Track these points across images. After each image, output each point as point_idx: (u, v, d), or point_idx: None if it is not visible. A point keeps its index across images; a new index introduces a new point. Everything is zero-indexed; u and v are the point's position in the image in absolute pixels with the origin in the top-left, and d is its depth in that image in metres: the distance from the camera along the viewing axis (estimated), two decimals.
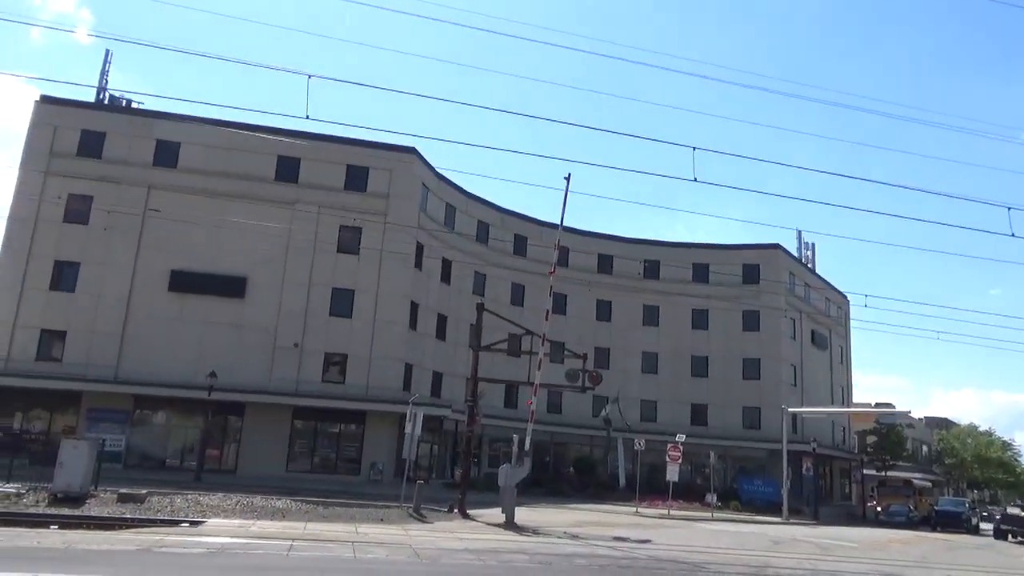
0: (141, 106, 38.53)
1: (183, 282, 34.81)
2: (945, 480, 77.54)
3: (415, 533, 16.67)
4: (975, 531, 42.54)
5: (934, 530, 39.37)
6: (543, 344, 23.51)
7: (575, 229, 48.75)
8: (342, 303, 36.56)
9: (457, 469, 33.94)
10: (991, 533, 43.10)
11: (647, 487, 34.60)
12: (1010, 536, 38.16)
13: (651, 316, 50.86)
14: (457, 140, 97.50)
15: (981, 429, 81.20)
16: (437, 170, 41.74)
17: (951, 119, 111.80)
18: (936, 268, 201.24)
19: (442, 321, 41.84)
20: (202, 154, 36.17)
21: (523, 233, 47.64)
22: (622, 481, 40.24)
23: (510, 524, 19.93)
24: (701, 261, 51.50)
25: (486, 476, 35.56)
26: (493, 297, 42.26)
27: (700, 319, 50.69)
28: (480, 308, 25.44)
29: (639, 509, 31.18)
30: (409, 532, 16.70)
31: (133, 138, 36.02)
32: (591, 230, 51.51)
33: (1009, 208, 18.72)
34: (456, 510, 22.05)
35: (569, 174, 23.62)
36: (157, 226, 34.81)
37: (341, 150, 37.64)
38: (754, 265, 50.84)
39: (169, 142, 36.12)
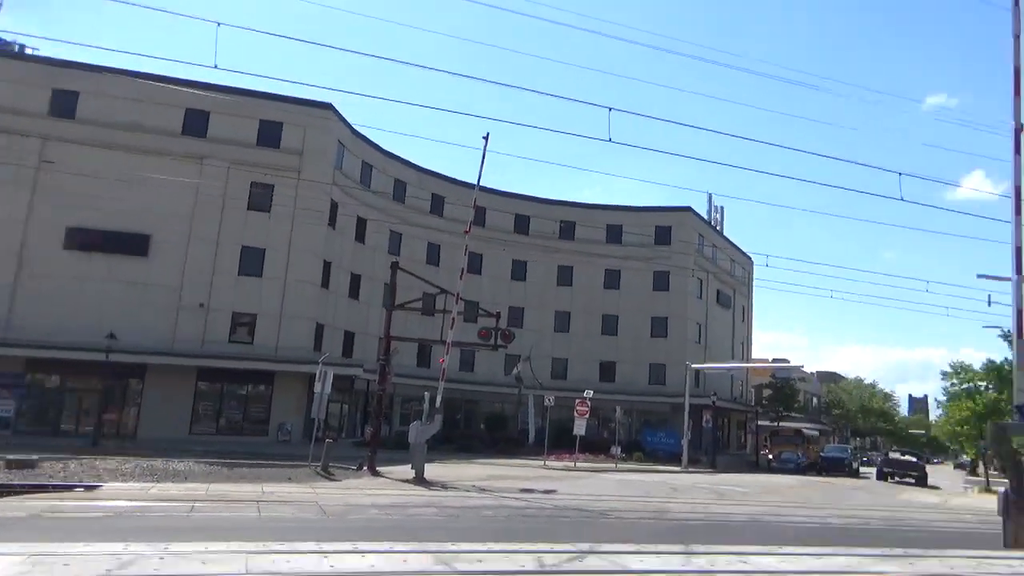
0: (36, 52, 36.01)
1: (81, 239, 33.20)
2: (832, 429, 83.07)
3: (323, 491, 16.77)
4: (855, 475, 46.28)
5: (819, 475, 42.46)
6: (457, 303, 23.69)
7: (492, 189, 48.89)
8: (252, 262, 35.70)
9: (368, 428, 34.05)
10: (870, 476, 47.24)
11: (556, 442, 35.63)
12: (889, 478, 42.18)
13: (565, 276, 51.88)
14: (375, 95, 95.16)
15: (867, 382, 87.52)
16: (353, 127, 41.01)
17: (854, 88, 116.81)
18: (834, 231, 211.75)
19: (355, 280, 41.46)
20: (103, 105, 34.27)
21: (440, 192, 47.45)
22: (532, 436, 41.31)
23: (419, 479, 20.27)
24: (615, 222, 52.68)
25: (397, 434, 35.83)
26: (408, 256, 42.11)
27: (612, 279, 52.05)
28: (395, 267, 25.36)
29: (547, 462, 32.17)
30: (316, 490, 16.79)
31: (26, 86, 33.76)
32: (508, 190, 51.78)
33: (900, 173, 19.62)
34: (365, 468, 22.21)
35: (488, 133, 23.62)
36: (53, 180, 32.88)
37: (253, 104, 36.32)
38: (666, 227, 52.41)
39: (67, 91, 34.09)
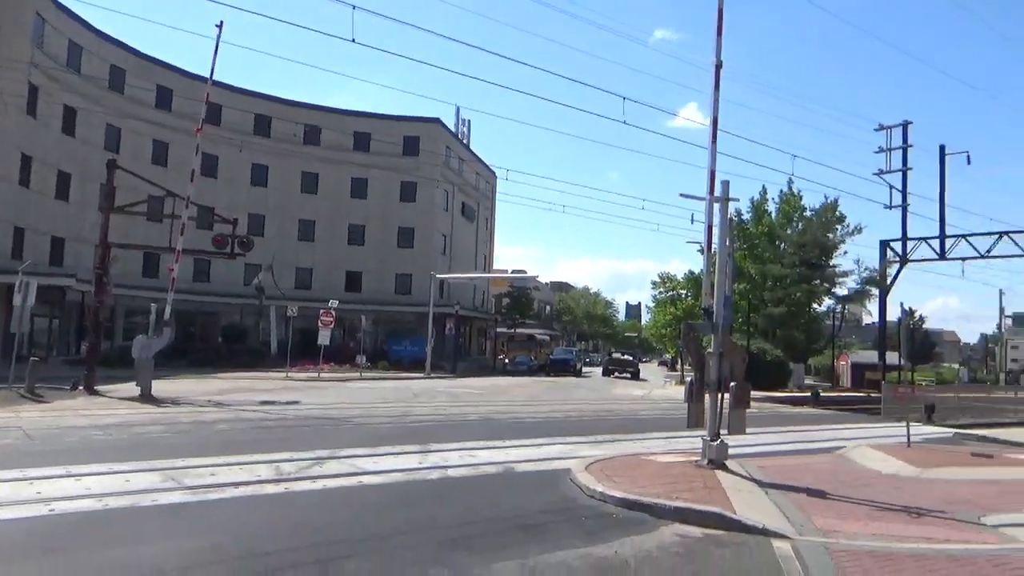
0: None
1: None
2: (561, 334, 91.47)
3: (28, 414, 15.05)
4: (579, 374, 52.03)
5: (548, 375, 47.03)
6: (187, 207, 22.02)
7: (229, 85, 45.02)
8: None
9: (84, 345, 30.79)
10: (592, 375, 53.77)
11: (300, 353, 35.10)
12: (612, 375, 49.47)
13: (310, 183, 50.03)
14: None
15: (592, 291, 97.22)
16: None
17: (590, 13, 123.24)
18: (566, 149, 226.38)
19: (64, 179, 36.39)
20: None
21: (168, 84, 42.75)
22: (274, 348, 40.27)
23: (147, 397, 18.97)
24: (363, 130, 51.41)
25: (121, 350, 32.82)
26: (131, 154, 37.71)
27: (359, 188, 51.20)
28: (111, 165, 22.62)
29: (290, 374, 31.70)
30: (20, 414, 15.01)
31: None
32: (248, 88, 48.02)
33: (624, 98, 21.37)
34: (82, 387, 20.23)
35: (221, 22, 21.71)
36: None
37: None
38: (414, 137, 52.21)
39: None
